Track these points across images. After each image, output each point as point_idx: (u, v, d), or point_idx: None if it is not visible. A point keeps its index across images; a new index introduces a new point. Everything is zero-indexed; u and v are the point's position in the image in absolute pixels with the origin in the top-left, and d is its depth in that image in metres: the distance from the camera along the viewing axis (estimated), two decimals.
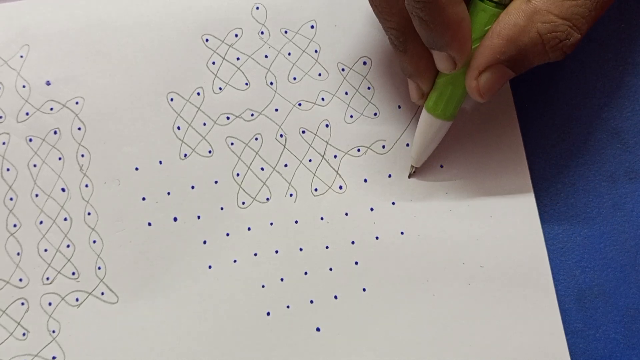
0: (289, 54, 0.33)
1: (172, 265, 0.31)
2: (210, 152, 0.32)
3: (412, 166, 0.31)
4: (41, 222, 0.31)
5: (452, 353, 0.30)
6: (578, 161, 0.32)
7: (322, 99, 0.32)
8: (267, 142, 0.32)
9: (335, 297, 0.30)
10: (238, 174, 0.32)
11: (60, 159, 0.32)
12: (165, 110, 0.32)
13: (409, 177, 0.31)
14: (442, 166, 0.31)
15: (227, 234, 0.31)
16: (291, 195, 0.31)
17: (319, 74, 0.32)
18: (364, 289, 0.30)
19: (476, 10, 0.26)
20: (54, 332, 0.30)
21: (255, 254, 0.31)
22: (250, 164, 0.32)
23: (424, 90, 0.29)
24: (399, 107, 0.32)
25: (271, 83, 0.32)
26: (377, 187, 0.31)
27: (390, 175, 0.32)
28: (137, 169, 0.32)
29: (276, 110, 0.32)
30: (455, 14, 0.25)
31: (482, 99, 0.27)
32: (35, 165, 0.32)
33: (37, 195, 0.32)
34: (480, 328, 0.30)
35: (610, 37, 0.32)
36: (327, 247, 0.31)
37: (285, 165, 0.32)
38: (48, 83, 0.33)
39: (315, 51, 0.33)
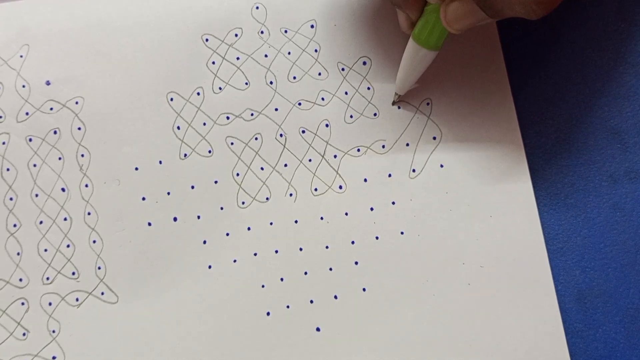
0: (289, 53, 0.33)
1: (172, 265, 0.31)
2: (210, 152, 0.32)
3: (395, 94, 0.32)
4: (41, 222, 0.31)
5: (452, 353, 0.30)
6: (578, 161, 0.32)
7: (322, 99, 0.32)
8: (267, 142, 0.32)
9: (335, 297, 0.30)
10: (238, 174, 0.32)
11: (60, 158, 0.32)
12: (165, 110, 0.32)
13: (393, 104, 0.32)
14: (442, 166, 0.31)
15: (227, 234, 0.31)
16: (291, 195, 0.31)
17: (319, 74, 0.32)
18: (364, 289, 0.30)
19: None
20: (54, 332, 0.30)
21: (255, 254, 0.31)
22: (250, 164, 0.32)
23: (412, 19, 0.29)
24: (399, 107, 0.32)
25: (271, 82, 0.32)
26: (377, 187, 0.31)
27: (390, 175, 0.32)
28: (137, 169, 0.32)
29: (276, 109, 0.32)
30: None
31: (449, 28, 0.27)
32: (35, 165, 0.32)
33: (37, 195, 0.32)
34: (480, 328, 0.30)
35: (610, 37, 0.32)
36: (327, 247, 0.31)
37: (285, 165, 0.32)
38: (48, 83, 0.33)
39: (315, 51, 0.33)
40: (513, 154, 0.31)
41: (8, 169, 0.32)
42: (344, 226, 0.31)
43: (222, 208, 0.31)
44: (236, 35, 0.33)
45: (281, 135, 0.32)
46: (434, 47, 0.29)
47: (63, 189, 0.32)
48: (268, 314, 0.30)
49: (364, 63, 0.32)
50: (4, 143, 0.32)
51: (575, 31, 0.33)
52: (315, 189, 0.31)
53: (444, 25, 0.27)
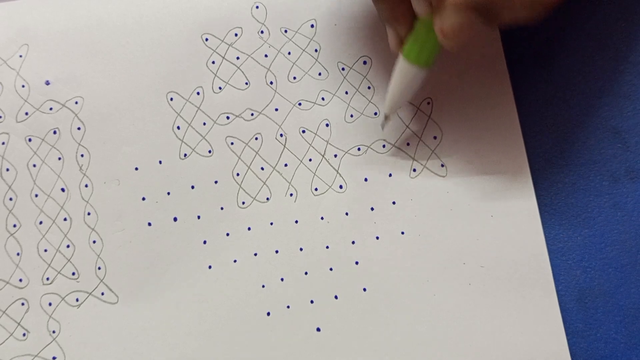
0: (289, 53, 0.33)
1: (172, 265, 0.31)
2: (210, 151, 0.32)
3: (385, 114, 0.30)
4: (41, 222, 0.31)
5: (452, 353, 0.30)
6: (578, 161, 0.32)
7: (322, 99, 0.32)
8: (267, 142, 0.32)
9: (336, 297, 0.30)
10: (238, 174, 0.32)
11: (59, 158, 0.32)
12: (165, 110, 0.32)
13: (382, 126, 0.31)
14: (442, 165, 0.31)
15: (227, 234, 0.31)
16: (291, 195, 0.31)
17: (319, 74, 0.32)
18: (364, 289, 0.30)
19: None
20: (54, 332, 0.30)
21: (255, 254, 0.31)
22: (250, 164, 0.32)
23: (401, 35, 0.28)
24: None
25: (271, 82, 0.32)
26: (378, 187, 0.31)
27: (390, 175, 0.31)
28: (137, 169, 0.32)
29: (276, 109, 0.32)
30: None
31: (447, 41, 0.26)
32: (34, 165, 0.32)
33: (36, 195, 0.32)
34: (480, 328, 0.30)
35: (611, 36, 0.32)
36: (327, 247, 0.31)
37: (285, 165, 0.32)
38: (47, 83, 0.33)
39: (315, 50, 0.33)
40: (514, 153, 0.31)
41: (8, 169, 0.32)
42: (344, 226, 0.31)
43: (222, 208, 0.31)
44: (236, 35, 0.33)
45: (281, 135, 0.32)
46: (425, 65, 0.28)
47: (63, 189, 0.32)
48: (268, 314, 0.30)
49: (364, 63, 0.32)
50: (3, 143, 0.32)
51: (576, 31, 0.33)
52: (316, 189, 0.31)
53: (440, 39, 0.26)
